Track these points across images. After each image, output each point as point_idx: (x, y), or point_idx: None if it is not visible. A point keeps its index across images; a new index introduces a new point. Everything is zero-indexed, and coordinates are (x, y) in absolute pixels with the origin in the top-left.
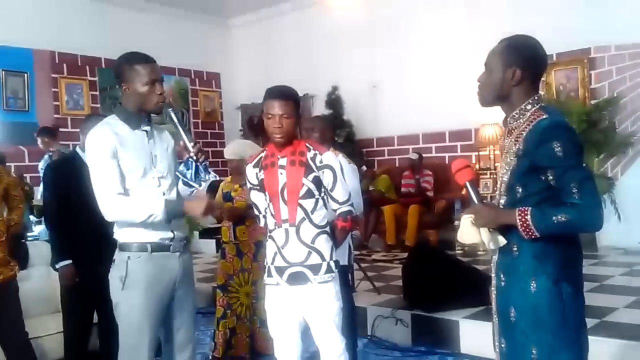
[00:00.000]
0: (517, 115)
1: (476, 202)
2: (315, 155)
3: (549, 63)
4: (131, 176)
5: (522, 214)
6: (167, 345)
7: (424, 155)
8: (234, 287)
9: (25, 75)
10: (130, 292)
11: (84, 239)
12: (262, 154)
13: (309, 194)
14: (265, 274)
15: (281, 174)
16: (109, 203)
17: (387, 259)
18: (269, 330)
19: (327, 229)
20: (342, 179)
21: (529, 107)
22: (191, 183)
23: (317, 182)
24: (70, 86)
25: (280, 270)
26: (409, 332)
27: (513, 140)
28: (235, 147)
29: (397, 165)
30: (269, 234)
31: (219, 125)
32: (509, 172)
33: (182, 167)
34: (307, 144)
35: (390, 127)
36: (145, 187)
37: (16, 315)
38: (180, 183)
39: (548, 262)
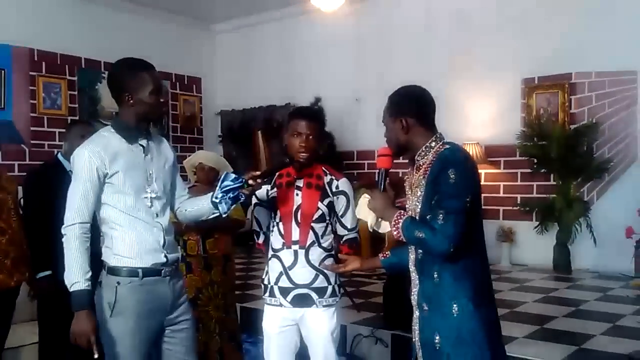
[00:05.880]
0: (423, 153)
1: (379, 188)
2: (331, 180)
3: (531, 86)
4: (122, 196)
5: (398, 218)
6: None
7: (404, 170)
8: (203, 301)
9: (3, 72)
10: (119, 319)
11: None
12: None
13: (321, 218)
14: (267, 294)
15: (297, 195)
16: (65, 229)
17: (365, 274)
18: (264, 352)
19: (333, 253)
20: (353, 206)
21: (433, 144)
22: (216, 202)
23: (331, 207)
24: (48, 85)
25: (284, 291)
26: (388, 352)
27: (422, 174)
28: (216, 156)
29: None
30: (273, 253)
31: (198, 131)
32: (419, 205)
33: (228, 181)
34: (323, 168)
35: (371, 141)
36: (136, 208)
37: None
38: (219, 193)
39: (466, 284)
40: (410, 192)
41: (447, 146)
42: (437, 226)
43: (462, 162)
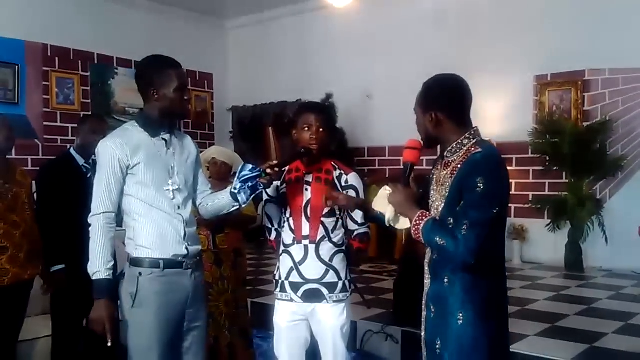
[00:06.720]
0: (454, 150)
1: (403, 183)
2: (340, 174)
3: (544, 82)
4: (144, 188)
5: (420, 218)
6: None
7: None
8: (213, 296)
9: (16, 67)
10: (140, 310)
11: (78, 243)
12: (285, 168)
13: (331, 213)
14: (278, 289)
15: (306, 190)
16: (91, 218)
17: (375, 271)
18: (274, 346)
19: (344, 248)
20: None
21: (465, 141)
22: (235, 192)
23: None
24: (61, 80)
25: (295, 286)
26: (398, 349)
27: (449, 173)
28: (230, 152)
29: (387, 176)
30: (284, 248)
31: (209, 127)
32: (442, 204)
33: (246, 171)
34: (332, 163)
35: (382, 137)
36: (158, 200)
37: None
38: (238, 184)
39: (476, 295)
40: (435, 188)
41: (479, 149)
42: (460, 236)
43: (494, 170)
